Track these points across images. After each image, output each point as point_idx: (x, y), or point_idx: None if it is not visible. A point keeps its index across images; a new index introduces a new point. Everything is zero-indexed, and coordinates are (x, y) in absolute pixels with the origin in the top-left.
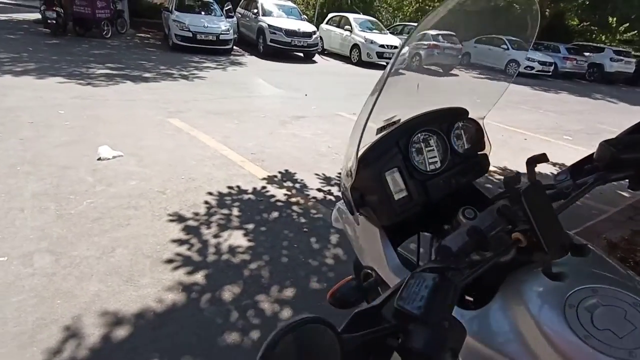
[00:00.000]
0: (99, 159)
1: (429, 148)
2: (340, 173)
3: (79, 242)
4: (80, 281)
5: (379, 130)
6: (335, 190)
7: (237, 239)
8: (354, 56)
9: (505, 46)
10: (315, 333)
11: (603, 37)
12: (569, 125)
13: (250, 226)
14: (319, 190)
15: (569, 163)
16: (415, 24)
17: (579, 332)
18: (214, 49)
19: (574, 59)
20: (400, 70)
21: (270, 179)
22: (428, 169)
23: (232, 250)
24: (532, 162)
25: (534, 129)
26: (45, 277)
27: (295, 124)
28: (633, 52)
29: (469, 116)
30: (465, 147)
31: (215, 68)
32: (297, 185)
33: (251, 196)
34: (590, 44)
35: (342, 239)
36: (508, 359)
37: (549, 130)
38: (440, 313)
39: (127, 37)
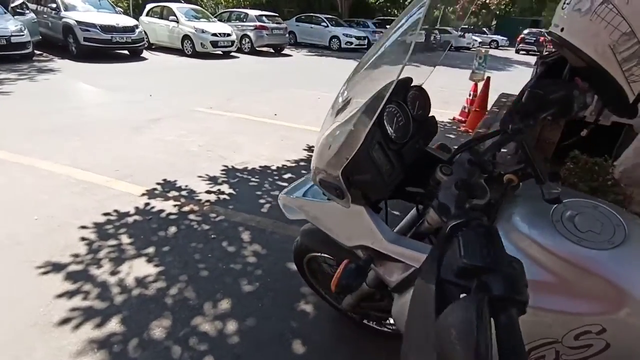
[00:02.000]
0: None
1: (397, 118)
2: (225, 169)
3: None
4: None
5: (339, 111)
6: (226, 188)
7: (140, 268)
8: (187, 48)
9: (324, 24)
10: None
11: (396, 12)
12: None
13: (151, 250)
14: (209, 192)
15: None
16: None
17: (572, 238)
18: (6, 56)
19: (381, 31)
20: None
21: (151, 193)
22: (399, 138)
23: (141, 282)
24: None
25: None
26: None
27: (153, 128)
28: None
29: (414, 84)
30: (418, 113)
31: (19, 79)
32: (184, 193)
33: (136, 217)
34: (390, 17)
35: (255, 234)
36: None
37: None
38: (504, 257)
39: None
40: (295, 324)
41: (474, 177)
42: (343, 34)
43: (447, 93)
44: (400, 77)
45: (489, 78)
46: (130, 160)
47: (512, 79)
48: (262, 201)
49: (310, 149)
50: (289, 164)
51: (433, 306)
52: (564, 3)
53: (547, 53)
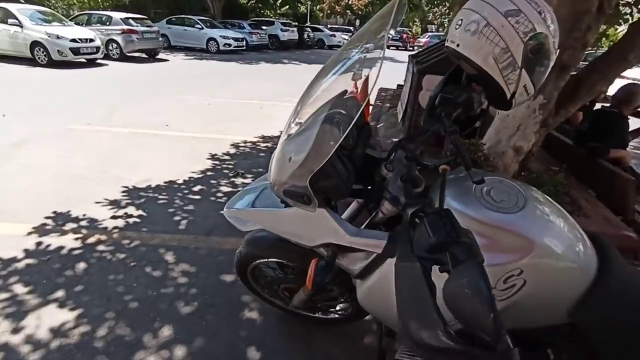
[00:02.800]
0: None
1: (344, 126)
2: (126, 189)
3: None
4: None
5: (292, 127)
6: (133, 210)
7: (53, 317)
8: (40, 57)
9: (199, 26)
10: None
11: (268, 12)
12: (286, 89)
13: (60, 294)
14: (115, 217)
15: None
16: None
17: (492, 207)
18: None
19: (257, 32)
20: None
21: (41, 230)
22: (348, 144)
23: (58, 332)
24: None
25: (263, 97)
26: None
27: (19, 152)
28: (294, 23)
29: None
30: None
31: None
32: (84, 223)
33: (28, 261)
34: (264, 18)
35: (179, 254)
36: None
37: (274, 96)
38: (461, 230)
39: None
40: (245, 332)
41: (412, 170)
42: (220, 36)
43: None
44: (339, 90)
45: (368, 75)
46: (3, 196)
47: (383, 73)
48: (177, 218)
49: (214, 157)
50: (196, 176)
51: (423, 279)
52: (457, 25)
53: (416, 52)
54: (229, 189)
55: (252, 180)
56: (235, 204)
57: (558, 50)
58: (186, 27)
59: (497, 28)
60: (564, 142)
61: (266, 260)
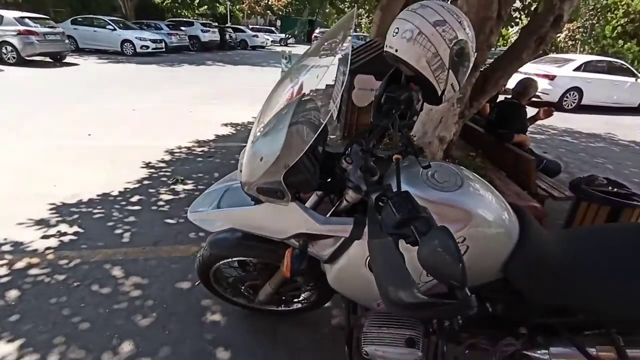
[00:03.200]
0: None
1: (311, 127)
2: (53, 209)
3: None
4: None
5: (260, 129)
6: (66, 227)
7: None
8: None
9: (111, 27)
10: None
11: (185, 12)
12: (213, 91)
13: None
14: (46, 237)
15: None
16: None
17: (437, 187)
18: None
19: (176, 33)
20: None
21: None
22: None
23: None
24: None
25: (191, 101)
26: None
27: None
28: (214, 24)
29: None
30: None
31: None
32: (7, 247)
33: None
34: (182, 19)
35: (127, 267)
36: None
37: (203, 99)
38: (419, 207)
39: None
40: (210, 335)
41: (368, 161)
42: (136, 38)
43: (259, 91)
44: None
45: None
46: None
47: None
48: (119, 231)
49: (149, 165)
50: (132, 186)
51: (396, 250)
52: (394, 32)
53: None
54: (171, 197)
55: (194, 187)
56: (198, 207)
57: (476, 53)
58: (96, 28)
59: (428, 36)
60: (477, 131)
61: (230, 260)
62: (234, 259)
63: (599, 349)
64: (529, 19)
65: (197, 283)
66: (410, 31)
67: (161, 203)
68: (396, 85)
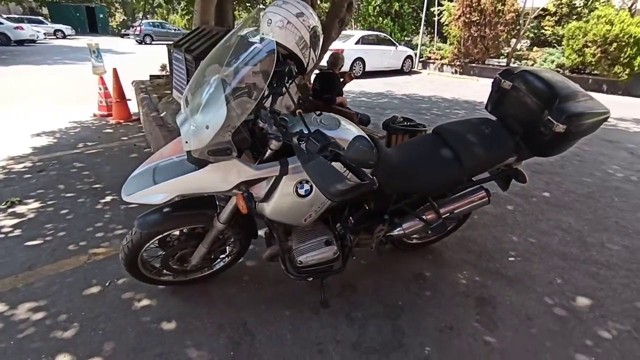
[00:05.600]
0: None
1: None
2: None
3: None
4: None
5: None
6: None
7: None
8: None
9: None
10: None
11: None
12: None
13: None
14: None
15: None
16: None
17: (326, 127)
18: None
19: None
20: None
21: None
22: None
23: None
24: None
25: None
26: None
27: None
28: None
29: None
30: None
31: None
32: None
33: None
34: None
35: (10, 298)
36: None
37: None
38: (329, 137)
39: None
40: (149, 317)
41: (276, 118)
42: None
43: (66, 91)
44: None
45: (115, 69)
46: None
47: (128, 64)
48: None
49: None
50: None
51: (326, 162)
52: (267, 22)
53: (177, 40)
54: (17, 221)
55: (42, 204)
56: (134, 189)
57: (322, 35)
58: None
59: (295, 24)
60: (310, 101)
61: (153, 241)
62: (165, 233)
63: (427, 214)
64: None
65: (108, 283)
66: (281, 21)
67: (7, 230)
68: (278, 62)
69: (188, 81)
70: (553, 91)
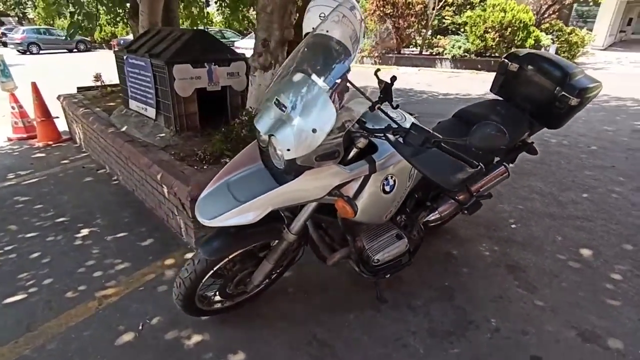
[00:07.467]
0: None
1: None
2: None
3: None
4: None
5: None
6: None
7: None
8: None
9: None
10: None
11: None
12: None
13: None
14: None
15: None
16: None
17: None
18: None
19: None
20: None
21: None
22: None
23: None
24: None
25: None
26: None
27: None
28: None
29: None
30: None
31: None
32: None
33: None
34: None
35: (52, 354)
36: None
37: None
38: (427, 129)
39: None
40: (206, 355)
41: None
42: None
43: None
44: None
45: (34, 84)
46: None
47: (29, 77)
48: None
49: None
50: None
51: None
52: (321, 16)
53: (128, 46)
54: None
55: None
56: (216, 211)
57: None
58: None
59: (349, 18)
60: None
61: (226, 260)
62: (235, 253)
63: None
64: None
65: (141, 326)
66: (337, 15)
67: None
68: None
69: (157, 88)
70: (563, 70)
